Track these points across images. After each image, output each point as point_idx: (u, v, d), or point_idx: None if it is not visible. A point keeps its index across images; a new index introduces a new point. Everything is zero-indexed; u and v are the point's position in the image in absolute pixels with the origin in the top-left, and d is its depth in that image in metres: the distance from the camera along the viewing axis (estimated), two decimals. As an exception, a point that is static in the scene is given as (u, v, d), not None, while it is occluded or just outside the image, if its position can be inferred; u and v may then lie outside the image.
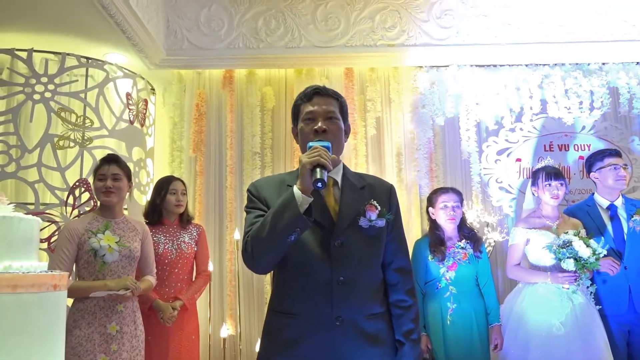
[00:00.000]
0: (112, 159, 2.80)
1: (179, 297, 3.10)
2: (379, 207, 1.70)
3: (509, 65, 4.08)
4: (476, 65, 4.08)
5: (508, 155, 4.09)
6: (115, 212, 2.79)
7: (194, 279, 3.30)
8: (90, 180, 3.06)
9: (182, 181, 3.34)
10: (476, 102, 4.05)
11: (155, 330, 3.03)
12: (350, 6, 4.05)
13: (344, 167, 1.83)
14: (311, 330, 1.61)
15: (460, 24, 4.04)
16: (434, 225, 3.28)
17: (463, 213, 3.29)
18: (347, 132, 1.83)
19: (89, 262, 2.62)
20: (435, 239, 3.21)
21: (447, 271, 3.11)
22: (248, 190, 1.78)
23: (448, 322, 3.06)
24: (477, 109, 4.06)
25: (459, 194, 3.28)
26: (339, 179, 1.77)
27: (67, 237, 2.61)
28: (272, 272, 1.80)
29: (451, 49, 4.00)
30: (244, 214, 1.76)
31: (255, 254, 1.61)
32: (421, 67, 4.11)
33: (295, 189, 1.54)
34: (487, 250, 3.66)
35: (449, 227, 3.22)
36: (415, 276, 3.18)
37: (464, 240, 3.19)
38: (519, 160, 4.07)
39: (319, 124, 1.69)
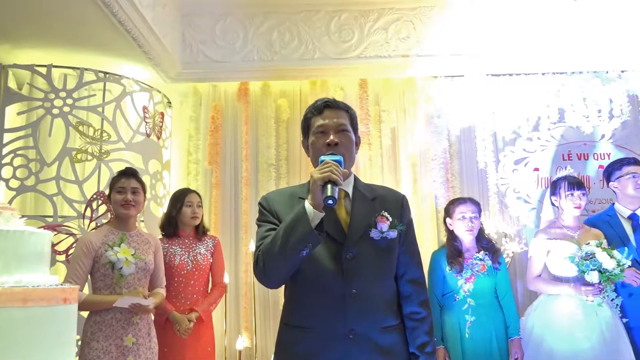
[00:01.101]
0: (131, 173, 2.83)
1: (194, 309, 3.10)
2: (390, 218, 1.68)
3: (525, 74, 4.03)
4: (491, 75, 4.05)
5: (525, 165, 4.03)
6: (130, 225, 2.82)
7: (209, 290, 3.30)
8: (107, 192, 3.09)
9: (197, 193, 3.36)
10: (492, 112, 4.01)
11: (172, 342, 3.04)
12: (364, 17, 4.06)
13: (355, 178, 1.81)
14: (324, 344, 1.59)
15: (475, 33, 4.01)
16: (451, 236, 3.23)
17: (481, 224, 3.24)
18: (357, 144, 1.82)
19: (105, 275, 2.64)
20: (452, 250, 3.16)
21: (465, 283, 3.06)
22: (259, 203, 1.77)
23: (466, 335, 3.00)
24: (493, 119, 4.02)
25: (477, 204, 3.23)
26: (349, 190, 1.76)
27: (84, 250, 2.63)
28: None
29: (466, 58, 3.98)
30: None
31: (267, 268, 1.60)
32: (436, 77, 4.09)
33: (307, 203, 1.53)
34: (505, 262, 3.60)
35: (467, 239, 3.17)
36: (432, 288, 3.15)
37: (482, 251, 3.14)
38: (536, 170, 4.01)
39: (331, 137, 1.68)
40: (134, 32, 3.22)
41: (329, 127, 1.71)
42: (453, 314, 3.06)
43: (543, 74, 4.04)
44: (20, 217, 1.16)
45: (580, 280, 2.97)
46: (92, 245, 2.64)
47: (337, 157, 1.59)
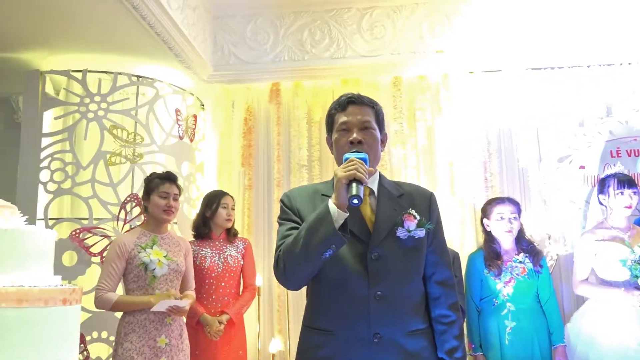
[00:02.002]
0: (173, 179, 2.83)
1: (225, 312, 3.08)
2: (417, 217, 1.59)
3: (569, 67, 3.83)
4: (532, 69, 3.86)
5: (570, 163, 3.81)
6: (163, 227, 2.83)
7: (241, 293, 3.27)
8: (141, 194, 3.10)
9: (231, 196, 3.34)
10: (533, 107, 3.82)
11: (203, 345, 3.03)
12: (396, 14, 3.95)
13: (380, 175, 1.73)
14: (347, 349, 1.52)
15: (513, 25, 3.84)
16: (489, 237, 3.09)
17: (521, 225, 3.08)
18: (383, 142, 1.74)
19: (138, 276, 2.66)
20: (490, 252, 3.02)
21: (504, 287, 2.92)
22: (281, 200, 1.72)
23: (506, 342, 2.85)
24: (534, 114, 3.83)
25: (515, 204, 3.07)
26: (375, 188, 1.67)
27: (117, 252, 2.65)
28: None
29: (504, 52, 3.81)
30: None
31: (287, 269, 1.54)
32: (472, 72, 3.93)
33: (331, 203, 1.46)
34: (549, 265, 3.42)
35: (506, 240, 3.02)
36: (469, 292, 3.02)
37: (522, 253, 2.98)
38: (582, 167, 3.78)
39: (354, 135, 1.61)
40: (164, 34, 3.24)
41: (353, 124, 1.63)
42: (492, 319, 2.92)
43: (588, 66, 3.82)
44: (22, 216, 1.14)
45: (632, 285, 2.78)
46: (125, 246, 2.66)
47: (362, 155, 1.52)
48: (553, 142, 3.85)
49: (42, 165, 3.44)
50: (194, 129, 4.07)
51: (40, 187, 3.42)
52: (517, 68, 3.85)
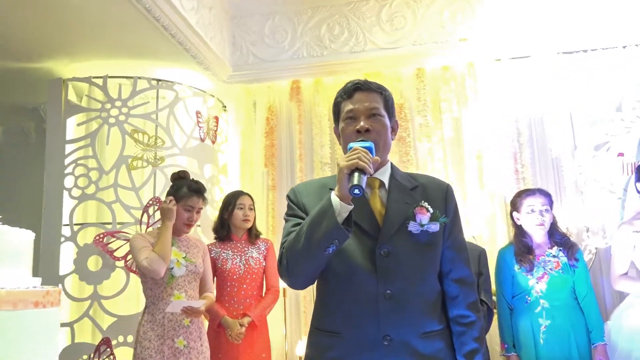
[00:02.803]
0: (201, 192, 2.82)
1: (247, 314, 3.03)
2: (430, 210, 1.48)
3: (602, 49, 3.61)
4: (563, 52, 3.66)
5: (607, 150, 3.59)
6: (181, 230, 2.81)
7: (263, 295, 3.21)
8: (163, 197, 3.08)
9: (249, 196, 3.29)
10: (565, 93, 3.63)
11: (225, 348, 2.98)
12: (416, 3, 3.83)
13: (393, 166, 1.63)
14: (356, 351, 1.42)
15: (540, 7, 3.65)
16: (519, 231, 2.93)
17: (554, 217, 2.90)
18: (394, 130, 1.63)
19: (157, 276, 2.64)
20: (521, 246, 2.86)
21: (537, 283, 2.75)
22: (287, 196, 1.63)
23: (541, 341, 2.69)
24: (567, 101, 3.63)
25: (547, 195, 2.90)
26: (385, 180, 1.57)
27: (142, 237, 2.69)
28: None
29: (532, 36, 3.63)
30: None
31: (290, 267, 1.46)
32: (499, 59, 3.76)
33: (333, 195, 1.37)
34: (587, 259, 3.23)
35: (537, 234, 2.86)
36: (500, 289, 2.87)
37: (555, 247, 2.81)
38: (621, 155, 3.56)
39: (361, 123, 1.51)
40: (179, 36, 3.22)
41: (359, 111, 1.54)
42: (525, 317, 2.76)
43: (624, 46, 3.59)
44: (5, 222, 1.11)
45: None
46: (147, 240, 2.67)
47: (367, 144, 1.42)
48: (588, 129, 3.64)
49: (66, 171, 3.49)
50: (215, 130, 4.05)
51: (65, 193, 3.46)
52: (547, 53, 3.66)
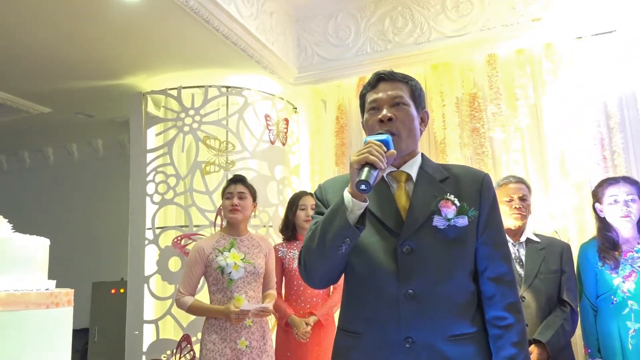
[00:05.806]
0: (238, 179, 2.91)
1: (313, 313, 3.04)
2: (457, 203, 1.38)
3: None
4: (656, 23, 3.26)
5: None
6: (240, 230, 2.88)
7: (331, 294, 3.21)
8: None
9: (312, 195, 3.31)
10: (661, 68, 3.22)
11: (294, 346, 3.02)
12: (483, -14, 3.61)
13: (424, 157, 1.54)
14: (377, 354, 1.37)
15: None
16: (603, 225, 2.65)
17: (643, 208, 2.59)
18: (424, 120, 1.55)
19: (217, 279, 2.74)
20: (605, 241, 2.59)
21: (624, 282, 2.47)
22: (314, 193, 1.62)
23: (630, 346, 2.41)
24: (663, 77, 3.23)
25: (634, 184, 2.60)
26: (413, 172, 1.49)
27: (196, 257, 2.76)
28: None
29: (616, 8, 3.26)
30: None
31: (307, 266, 1.44)
32: (580, 37, 3.43)
33: (346, 192, 1.33)
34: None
35: (624, 227, 2.56)
36: (583, 288, 2.62)
37: (646, 242, 2.51)
38: None
39: (384, 112, 1.45)
40: (240, 43, 3.32)
41: (383, 101, 1.48)
42: (611, 320, 2.50)
43: None
44: (8, 223, 1.21)
45: None
46: (204, 251, 2.76)
47: (384, 137, 1.36)
48: (691, 107, 3.21)
49: (148, 178, 3.74)
50: (285, 132, 4.12)
51: (147, 198, 3.72)
52: (635, 25, 3.27)
